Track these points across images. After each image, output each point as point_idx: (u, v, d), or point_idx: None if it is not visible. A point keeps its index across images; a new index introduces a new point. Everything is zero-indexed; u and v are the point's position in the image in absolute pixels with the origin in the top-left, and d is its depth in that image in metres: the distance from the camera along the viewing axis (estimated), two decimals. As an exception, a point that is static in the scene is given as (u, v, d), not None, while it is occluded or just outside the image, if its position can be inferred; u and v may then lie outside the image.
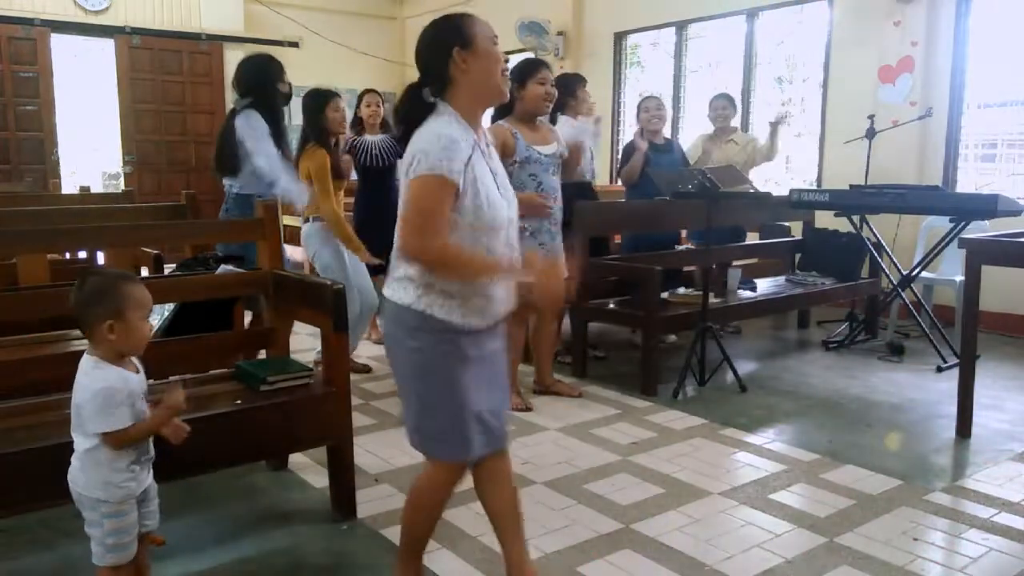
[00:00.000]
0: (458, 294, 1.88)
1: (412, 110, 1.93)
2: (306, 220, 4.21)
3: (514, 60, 9.07)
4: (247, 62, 3.97)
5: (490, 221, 1.88)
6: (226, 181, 3.87)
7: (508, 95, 2.04)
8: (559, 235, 3.72)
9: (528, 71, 3.61)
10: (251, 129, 3.71)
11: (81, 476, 1.84)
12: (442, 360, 1.91)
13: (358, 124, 5.04)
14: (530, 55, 8.47)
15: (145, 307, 1.87)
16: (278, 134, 3.82)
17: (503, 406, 2.08)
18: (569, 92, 4.19)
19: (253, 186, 3.77)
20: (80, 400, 1.81)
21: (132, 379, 1.86)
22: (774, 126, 5.23)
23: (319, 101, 4.13)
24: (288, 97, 3.96)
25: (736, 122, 5.64)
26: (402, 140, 1.98)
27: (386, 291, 1.98)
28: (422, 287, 1.88)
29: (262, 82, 3.82)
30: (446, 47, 1.87)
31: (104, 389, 1.79)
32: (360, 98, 5.13)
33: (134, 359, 1.92)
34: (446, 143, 1.81)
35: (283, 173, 3.73)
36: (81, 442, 1.84)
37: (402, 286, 1.92)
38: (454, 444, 1.96)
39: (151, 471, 1.96)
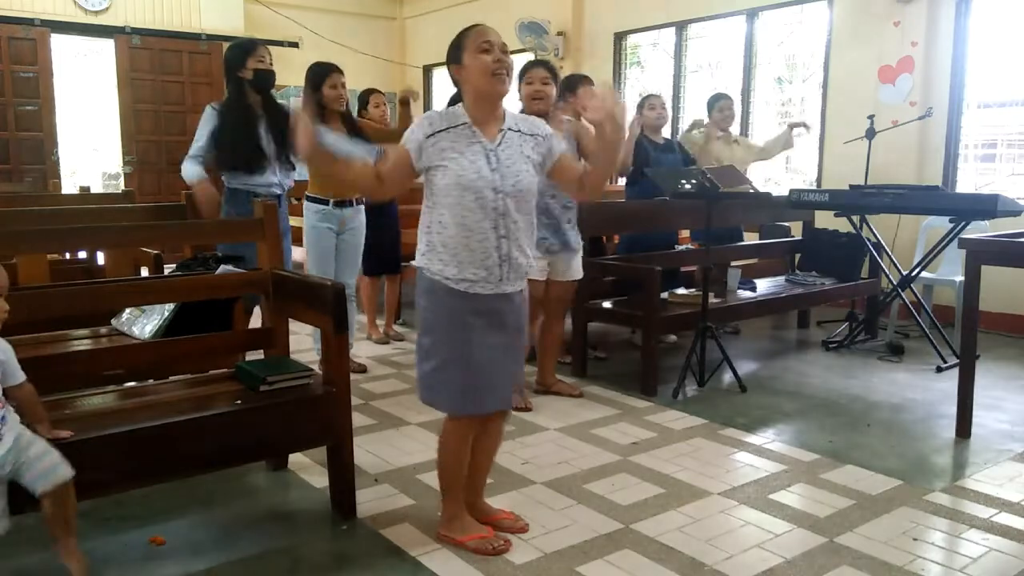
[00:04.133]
0: (447, 246, 2.25)
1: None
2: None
3: (514, 61, 9.09)
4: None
5: (456, 180, 2.23)
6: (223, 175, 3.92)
7: (501, 92, 2.32)
8: (575, 232, 3.91)
9: (580, 82, 3.99)
10: (198, 129, 3.82)
11: None
12: (447, 319, 2.28)
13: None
14: (530, 55, 8.48)
15: None
16: (247, 125, 3.75)
17: (514, 377, 2.44)
18: (570, 89, 4.22)
19: (236, 180, 3.87)
20: None
21: None
22: (793, 127, 5.45)
23: (318, 75, 4.14)
24: (258, 80, 3.80)
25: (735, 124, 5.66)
26: None
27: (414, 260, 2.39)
28: (426, 247, 2.31)
29: (228, 74, 3.81)
30: (448, 63, 2.37)
31: None
32: (367, 99, 5.12)
33: None
34: (415, 124, 2.32)
35: (186, 167, 3.87)
36: None
37: (419, 251, 2.33)
38: (460, 400, 2.32)
39: (15, 438, 2.01)
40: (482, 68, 2.26)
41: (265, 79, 3.81)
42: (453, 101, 2.52)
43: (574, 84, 4.30)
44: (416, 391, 2.44)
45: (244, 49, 3.82)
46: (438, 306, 2.30)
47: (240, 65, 3.77)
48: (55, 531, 2.05)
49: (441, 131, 2.28)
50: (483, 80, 2.27)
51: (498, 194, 2.26)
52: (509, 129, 2.35)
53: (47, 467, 2.00)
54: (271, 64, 3.84)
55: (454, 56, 2.33)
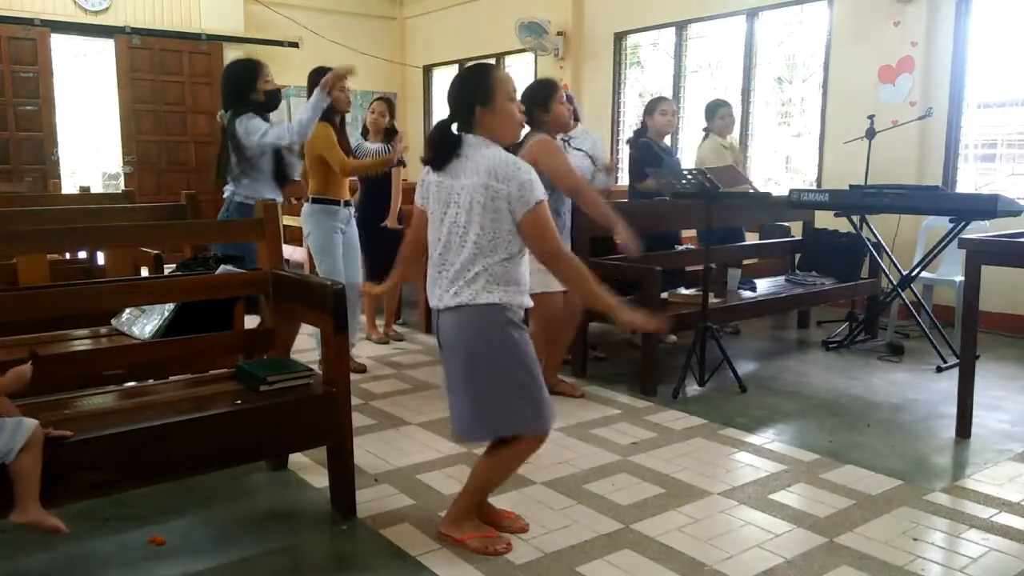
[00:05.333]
0: (522, 276, 2.33)
1: (443, 140, 2.34)
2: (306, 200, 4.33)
3: (515, 60, 9.07)
4: (223, 74, 4.00)
5: None
6: (227, 188, 3.89)
7: (519, 138, 2.46)
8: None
9: (549, 93, 3.69)
10: (257, 130, 3.77)
11: None
12: (527, 346, 2.33)
13: (365, 130, 5.17)
14: (530, 55, 8.49)
15: None
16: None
17: None
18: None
19: (257, 192, 3.82)
20: None
21: None
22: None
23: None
24: (269, 102, 3.88)
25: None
26: (431, 163, 2.36)
27: (457, 299, 2.28)
28: (500, 283, 2.27)
29: (236, 94, 3.83)
30: (470, 102, 2.31)
31: None
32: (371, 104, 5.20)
33: None
34: (534, 173, 2.28)
35: (288, 126, 3.80)
36: None
37: (483, 289, 2.27)
38: (547, 415, 2.37)
39: None
40: (513, 116, 2.36)
41: (277, 99, 3.91)
42: (447, 127, 2.37)
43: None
44: (492, 431, 2.37)
45: (251, 71, 3.85)
46: (522, 335, 2.34)
47: (251, 88, 3.81)
48: (26, 492, 2.01)
49: None
50: (513, 128, 2.39)
51: None
52: None
53: (12, 427, 2.01)
54: (274, 81, 3.94)
55: (484, 98, 2.31)
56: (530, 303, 2.39)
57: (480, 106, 2.31)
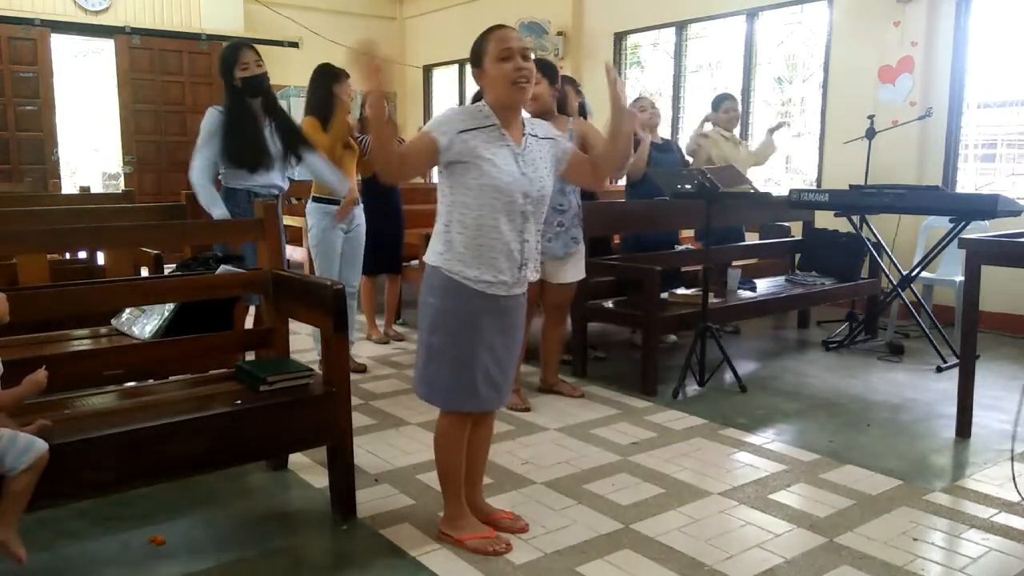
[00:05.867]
0: (469, 247, 2.24)
1: None
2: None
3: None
4: None
5: (492, 182, 2.23)
6: (220, 174, 3.89)
7: (522, 100, 2.31)
8: (567, 236, 3.80)
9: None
10: (201, 131, 3.74)
11: None
12: (461, 318, 2.28)
13: (365, 122, 5.08)
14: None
15: None
16: (240, 126, 3.73)
17: (511, 373, 2.47)
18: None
19: (236, 180, 3.79)
20: None
21: None
22: (772, 131, 5.46)
23: (329, 78, 4.17)
24: (247, 89, 3.75)
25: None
26: None
27: (424, 258, 2.37)
28: (443, 246, 2.28)
29: (221, 76, 3.81)
30: (471, 66, 2.36)
31: None
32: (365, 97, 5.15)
33: None
34: (442, 116, 2.31)
35: (203, 190, 3.69)
36: None
37: (434, 250, 2.31)
38: (457, 397, 2.35)
39: None
40: (503, 76, 2.25)
41: (253, 86, 3.76)
42: (478, 98, 2.46)
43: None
44: (415, 387, 2.45)
45: (230, 57, 3.78)
46: (453, 305, 2.29)
47: (229, 74, 3.77)
48: (9, 510, 2.02)
49: (473, 129, 2.26)
50: (504, 89, 2.26)
51: (526, 199, 2.28)
52: (528, 134, 2.36)
53: (24, 444, 2.00)
54: (259, 64, 3.78)
55: (475, 60, 2.32)
56: (476, 275, 2.25)
57: (476, 68, 2.32)
